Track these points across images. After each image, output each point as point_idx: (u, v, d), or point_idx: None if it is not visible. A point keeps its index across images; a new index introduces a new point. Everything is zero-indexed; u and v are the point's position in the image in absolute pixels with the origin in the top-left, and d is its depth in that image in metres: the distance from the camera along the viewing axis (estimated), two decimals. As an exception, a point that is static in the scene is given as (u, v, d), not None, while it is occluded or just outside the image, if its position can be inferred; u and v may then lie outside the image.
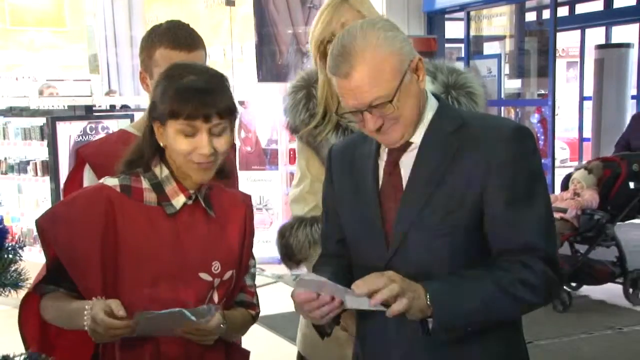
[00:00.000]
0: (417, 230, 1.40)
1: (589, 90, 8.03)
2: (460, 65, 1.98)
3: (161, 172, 1.47)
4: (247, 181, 6.33)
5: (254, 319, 1.60)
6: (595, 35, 8.53)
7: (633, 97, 7.62)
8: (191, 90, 1.39)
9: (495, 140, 1.38)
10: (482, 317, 1.34)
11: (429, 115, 1.44)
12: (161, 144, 1.44)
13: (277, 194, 6.18)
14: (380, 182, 1.47)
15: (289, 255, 2.02)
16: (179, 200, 1.46)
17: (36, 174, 5.25)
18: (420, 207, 1.39)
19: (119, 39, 9.67)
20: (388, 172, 1.46)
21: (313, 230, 1.97)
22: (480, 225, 1.38)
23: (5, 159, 6.01)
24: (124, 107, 6.92)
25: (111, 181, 1.46)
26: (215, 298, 1.48)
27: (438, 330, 1.31)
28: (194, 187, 1.47)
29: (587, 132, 8.13)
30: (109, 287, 1.41)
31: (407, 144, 1.43)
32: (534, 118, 6.92)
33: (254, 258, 1.62)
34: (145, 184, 1.46)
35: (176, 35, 1.75)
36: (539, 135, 6.82)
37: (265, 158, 6.52)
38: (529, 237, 1.36)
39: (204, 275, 1.46)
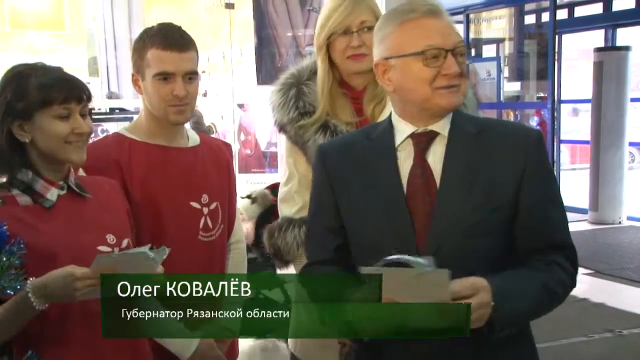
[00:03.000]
0: (454, 229, 1.37)
1: (565, 94, 8.05)
2: None
3: (26, 176, 1.55)
4: (247, 184, 6.33)
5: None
6: (596, 37, 8.54)
7: (632, 100, 7.62)
8: (59, 78, 1.53)
9: (526, 144, 1.42)
10: (530, 317, 1.39)
11: None
12: (26, 140, 1.53)
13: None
14: (405, 180, 1.42)
15: (278, 255, 2.03)
16: (53, 193, 1.56)
17: None
18: (457, 207, 1.38)
19: (118, 42, 9.67)
20: (417, 165, 1.42)
21: (302, 232, 1.98)
22: (511, 225, 1.41)
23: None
24: (121, 110, 6.93)
25: None
26: None
27: (494, 329, 1.29)
28: (61, 178, 1.58)
29: (573, 135, 8.16)
30: None
31: (433, 134, 1.43)
32: (534, 121, 6.92)
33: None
34: (14, 191, 1.54)
35: (168, 36, 1.76)
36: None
37: (265, 161, 6.52)
38: (561, 235, 1.43)
39: (103, 248, 1.57)
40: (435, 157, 1.41)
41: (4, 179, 1.56)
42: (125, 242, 1.63)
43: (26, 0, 10.65)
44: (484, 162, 1.40)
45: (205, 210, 1.87)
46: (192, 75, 1.79)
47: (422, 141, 1.42)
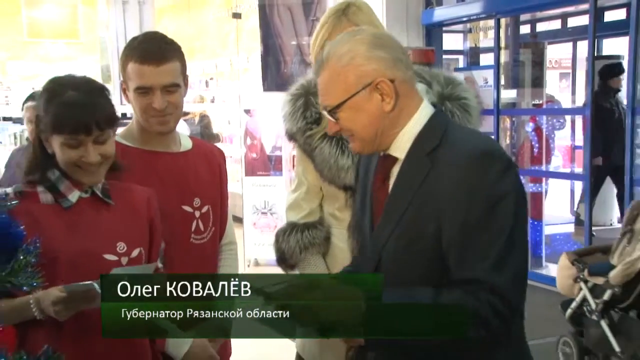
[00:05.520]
0: (388, 255, 1.38)
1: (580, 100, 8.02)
2: (457, 75, 1.95)
3: (53, 175, 1.56)
4: (252, 186, 6.33)
5: None
6: (585, 47, 8.52)
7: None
8: (71, 106, 1.48)
9: (458, 164, 1.31)
10: (413, 334, 1.25)
11: (414, 130, 1.39)
12: (50, 152, 1.55)
13: (281, 198, 6.18)
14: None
15: (282, 259, 2.03)
16: (74, 195, 1.56)
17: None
18: (390, 231, 1.37)
19: (130, 50, 9.69)
20: (378, 187, 1.45)
21: (304, 236, 1.98)
22: (441, 247, 1.32)
23: (21, 164, 5.98)
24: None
25: (4, 191, 1.56)
26: None
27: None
28: (88, 185, 1.57)
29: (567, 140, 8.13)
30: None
31: (395, 159, 1.41)
32: (529, 127, 6.90)
33: (163, 242, 1.73)
34: (39, 188, 1.55)
35: (145, 49, 1.73)
36: (533, 143, 6.79)
37: (270, 164, 6.53)
38: (475, 270, 1.28)
39: (109, 256, 1.56)
40: (393, 179, 1.41)
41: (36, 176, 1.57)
42: (136, 252, 1.60)
43: (43, 10, 10.68)
44: (423, 186, 1.33)
45: (197, 213, 1.86)
46: (170, 88, 1.74)
47: (385, 162, 1.43)
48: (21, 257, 1.08)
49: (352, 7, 1.88)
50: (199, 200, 1.86)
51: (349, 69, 1.33)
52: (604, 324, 3.31)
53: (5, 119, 7.97)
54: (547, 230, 6.49)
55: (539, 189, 6.67)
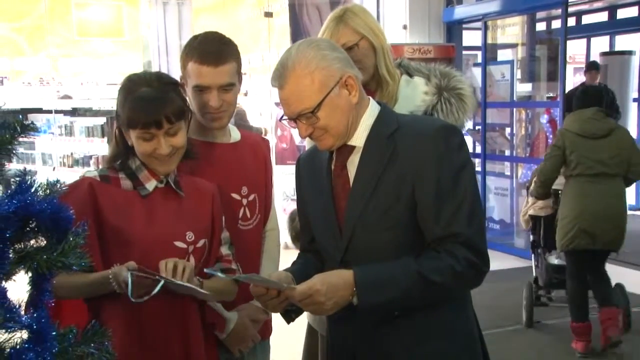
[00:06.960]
0: (363, 226, 1.41)
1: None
2: (451, 69, 1.97)
3: (134, 163, 1.56)
4: (283, 174, 6.34)
5: (236, 281, 1.63)
6: (600, 43, 8.35)
7: (634, 100, 7.42)
8: (142, 102, 1.47)
9: (423, 140, 1.38)
10: (404, 303, 1.36)
11: (369, 121, 1.44)
12: (129, 144, 1.55)
13: (309, 185, 6.18)
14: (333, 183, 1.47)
15: (297, 238, 2.04)
16: (151, 184, 1.57)
17: (98, 167, 5.35)
18: (363, 205, 1.40)
19: (170, 48, 9.74)
20: (337, 174, 1.46)
21: None
22: (414, 217, 1.39)
23: (72, 153, 6.12)
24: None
25: (91, 173, 1.58)
26: (192, 262, 1.55)
27: (364, 312, 1.35)
28: (163, 174, 1.57)
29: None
30: (103, 262, 1.46)
31: (352, 148, 1.44)
32: (544, 118, 6.78)
33: (227, 232, 1.71)
34: (121, 175, 1.56)
35: (204, 50, 1.70)
36: (548, 134, 6.68)
37: (299, 154, 6.50)
38: (450, 225, 1.36)
39: (179, 243, 1.55)
40: (353, 166, 1.44)
41: (118, 162, 1.59)
42: (201, 242, 1.60)
43: (91, 11, 10.79)
44: (389, 164, 1.39)
45: (245, 201, 1.85)
46: (227, 87, 1.73)
47: (342, 153, 1.46)
48: (71, 239, 1.09)
49: (349, 13, 1.86)
50: (247, 188, 1.86)
51: (318, 71, 1.36)
52: (533, 258, 4.33)
53: (57, 111, 8.09)
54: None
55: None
